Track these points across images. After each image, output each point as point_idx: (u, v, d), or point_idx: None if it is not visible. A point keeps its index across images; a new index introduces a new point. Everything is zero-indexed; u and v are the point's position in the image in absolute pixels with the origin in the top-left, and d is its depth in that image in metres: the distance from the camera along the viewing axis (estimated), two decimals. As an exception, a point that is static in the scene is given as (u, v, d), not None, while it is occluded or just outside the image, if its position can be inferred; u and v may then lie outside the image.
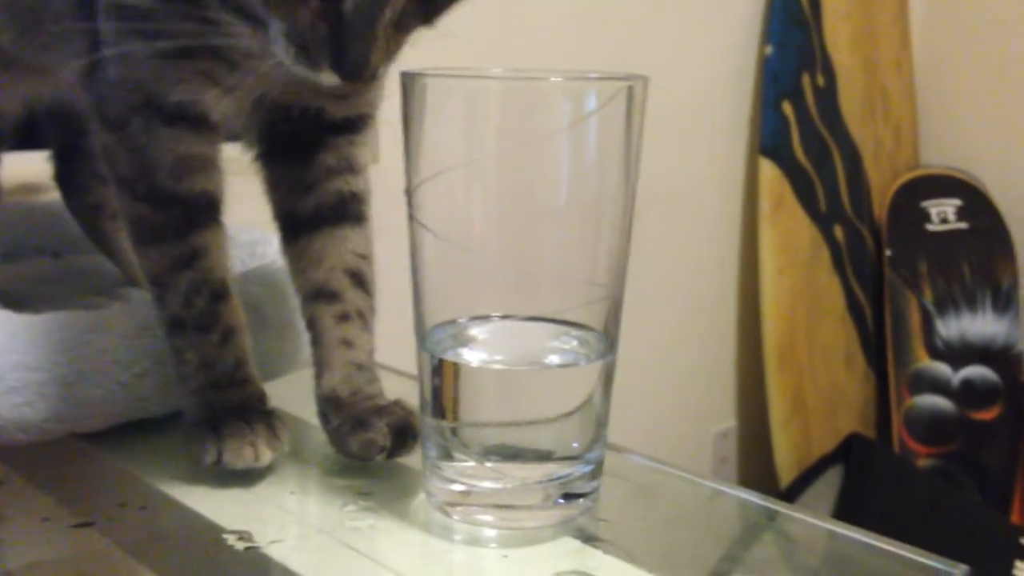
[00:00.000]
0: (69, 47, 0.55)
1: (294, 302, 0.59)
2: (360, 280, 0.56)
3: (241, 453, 0.48)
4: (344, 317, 0.54)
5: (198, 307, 0.51)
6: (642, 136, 0.46)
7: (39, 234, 0.79)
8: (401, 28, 0.43)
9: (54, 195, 0.77)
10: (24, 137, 0.74)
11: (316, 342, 0.55)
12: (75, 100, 0.57)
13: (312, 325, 0.55)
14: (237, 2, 0.44)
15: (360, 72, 0.42)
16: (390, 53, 0.43)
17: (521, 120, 0.45)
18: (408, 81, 0.45)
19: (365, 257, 0.56)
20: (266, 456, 0.49)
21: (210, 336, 0.51)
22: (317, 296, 0.55)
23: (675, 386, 1.77)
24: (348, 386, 0.53)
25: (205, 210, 0.52)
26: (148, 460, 0.51)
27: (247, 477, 0.49)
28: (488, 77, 0.46)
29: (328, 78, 0.42)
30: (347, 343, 0.54)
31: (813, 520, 0.49)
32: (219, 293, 0.52)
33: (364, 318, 0.55)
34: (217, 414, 0.50)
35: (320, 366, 0.54)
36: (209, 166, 0.52)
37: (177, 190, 0.50)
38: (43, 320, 0.51)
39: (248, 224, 0.69)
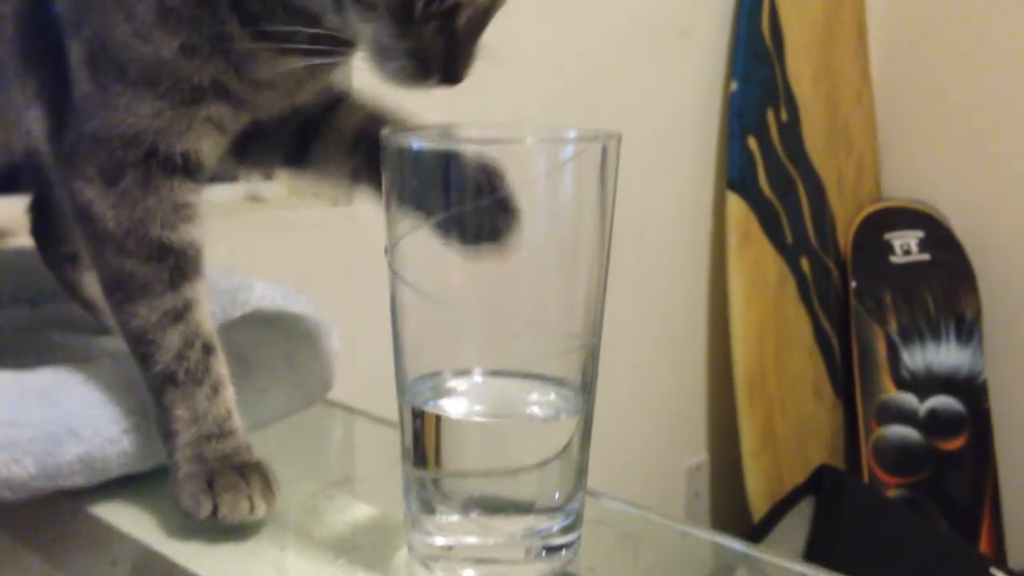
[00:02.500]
0: (19, 91, 0.55)
1: (280, 351, 0.59)
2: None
3: (237, 506, 0.49)
4: None
5: (192, 361, 0.51)
6: (616, 191, 0.47)
7: (16, 282, 0.79)
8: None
9: (27, 241, 0.77)
10: (7, 181, 0.74)
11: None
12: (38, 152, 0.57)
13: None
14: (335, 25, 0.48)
15: (463, 76, 0.49)
16: None
17: (498, 179, 0.46)
18: (387, 142, 0.46)
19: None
20: (261, 509, 0.49)
21: (202, 389, 0.51)
22: (364, 131, 0.58)
23: (647, 420, 1.78)
24: None
25: (194, 261, 0.52)
26: (137, 516, 0.52)
27: (238, 532, 0.50)
28: (465, 140, 0.47)
29: (432, 84, 0.49)
30: None
31: (791, 565, 0.50)
32: (209, 346, 0.52)
33: None
34: (210, 467, 0.50)
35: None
36: (198, 214, 0.53)
37: (171, 240, 0.51)
38: (30, 377, 0.52)
39: (225, 269, 0.70)
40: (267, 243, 1.15)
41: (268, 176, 1.30)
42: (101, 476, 0.52)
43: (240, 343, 0.60)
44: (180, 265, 0.52)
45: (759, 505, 1.79)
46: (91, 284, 0.73)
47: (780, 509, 1.75)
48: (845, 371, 1.95)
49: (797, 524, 1.69)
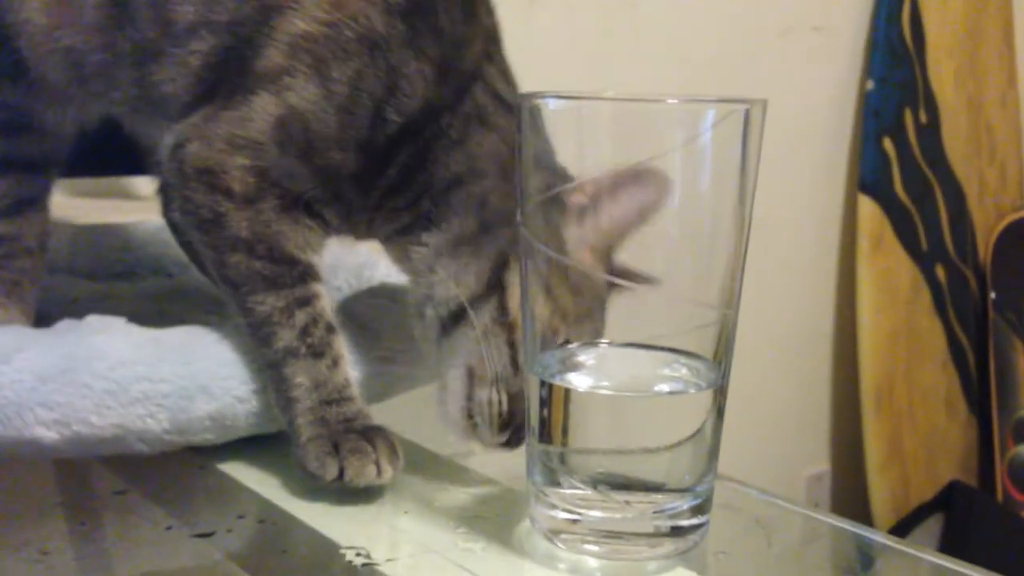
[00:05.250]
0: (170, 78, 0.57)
1: (403, 325, 0.59)
2: None
3: (364, 470, 0.49)
4: None
5: (315, 336, 0.52)
6: (759, 160, 0.45)
7: (156, 254, 0.83)
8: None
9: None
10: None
11: None
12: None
13: None
14: None
15: None
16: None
17: (634, 142, 0.45)
18: (522, 102, 0.45)
19: None
20: (388, 473, 0.49)
21: (323, 360, 0.52)
22: None
23: (767, 425, 1.74)
24: None
25: (317, 269, 0.55)
26: (262, 475, 0.52)
27: (363, 495, 0.50)
28: (601, 99, 0.46)
29: None
30: None
31: (935, 559, 0.47)
32: (332, 326, 0.54)
33: None
34: (333, 429, 0.50)
35: None
36: (323, 248, 0.56)
37: (299, 257, 0.54)
38: (166, 334, 0.53)
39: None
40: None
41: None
42: (230, 434, 0.53)
43: (364, 314, 0.60)
44: (306, 271, 0.54)
45: (883, 520, 1.73)
46: None
47: (906, 525, 1.69)
48: (981, 385, 1.86)
49: (924, 541, 1.63)
